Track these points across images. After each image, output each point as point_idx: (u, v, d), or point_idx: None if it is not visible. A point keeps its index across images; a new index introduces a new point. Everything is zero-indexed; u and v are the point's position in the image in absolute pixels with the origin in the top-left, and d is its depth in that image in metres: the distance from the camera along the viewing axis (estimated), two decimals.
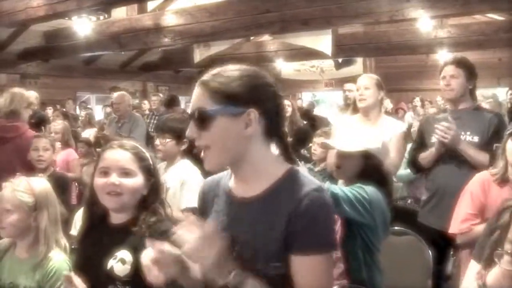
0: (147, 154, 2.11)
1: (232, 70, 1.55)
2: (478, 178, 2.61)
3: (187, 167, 3.49)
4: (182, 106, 13.62)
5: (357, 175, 2.58)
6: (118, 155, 2.05)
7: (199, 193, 1.78)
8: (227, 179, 1.65)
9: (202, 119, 1.49)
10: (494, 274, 1.68)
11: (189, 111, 1.58)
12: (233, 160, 1.54)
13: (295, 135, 5.91)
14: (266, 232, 1.48)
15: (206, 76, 1.55)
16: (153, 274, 1.50)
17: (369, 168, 2.56)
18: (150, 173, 2.08)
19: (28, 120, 7.27)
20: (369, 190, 2.48)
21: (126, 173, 2.02)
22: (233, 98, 1.48)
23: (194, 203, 3.23)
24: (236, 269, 1.42)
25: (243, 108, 1.48)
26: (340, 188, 2.47)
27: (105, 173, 2.02)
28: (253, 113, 1.49)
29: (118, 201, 2.01)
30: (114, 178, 2.00)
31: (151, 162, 2.10)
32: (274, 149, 1.60)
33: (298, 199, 1.46)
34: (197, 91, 1.54)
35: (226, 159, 1.54)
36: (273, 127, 1.56)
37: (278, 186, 1.52)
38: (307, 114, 8.97)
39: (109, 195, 2.00)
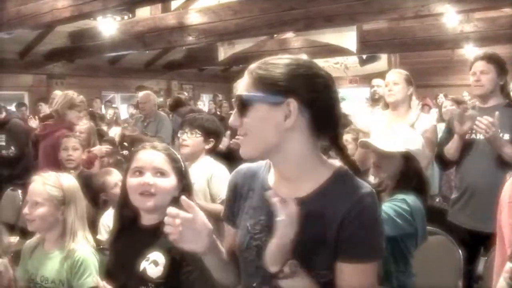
0: (179, 155, 2.12)
1: (281, 58, 1.46)
2: None
3: (212, 162, 3.55)
4: (206, 103, 13.74)
5: (397, 176, 2.54)
6: (152, 155, 2.05)
7: (230, 181, 1.69)
8: (265, 172, 1.57)
9: (242, 105, 1.43)
10: None
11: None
12: (269, 151, 1.46)
13: None
14: (315, 237, 1.40)
15: (254, 64, 1.47)
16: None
17: (409, 170, 2.51)
18: (182, 175, 2.09)
19: None
20: (410, 200, 2.44)
21: (160, 173, 2.02)
22: (273, 86, 1.40)
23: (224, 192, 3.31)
24: (292, 260, 1.37)
25: (282, 97, 1.40)
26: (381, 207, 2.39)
27: (140, 173, 2.03)
28: (293, 104, 1.39)
29: (151, 201, 2.01)
30: (148, 177, 2.00)
31: (182, 164, 2.11)
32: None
33: (352, 203, 1.39)
34: (244, 78, 1.47)
35: (260, 149, 1.45)
36: (320, 124, 1.44)
37: (328, 188, 1.44)
38: None
39: (142, 196, 2.00)
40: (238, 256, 1.60)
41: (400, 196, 2.47)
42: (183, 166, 2.11)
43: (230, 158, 3.82)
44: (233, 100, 1.52)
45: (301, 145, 1.44)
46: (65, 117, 4.90)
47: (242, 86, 1.46)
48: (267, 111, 1.41)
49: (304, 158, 1.45)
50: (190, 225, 1.43)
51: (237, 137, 3.64)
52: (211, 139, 3.52)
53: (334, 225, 1.39)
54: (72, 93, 5.06)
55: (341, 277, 1.41)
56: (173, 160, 2.07)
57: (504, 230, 1.94)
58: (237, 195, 1.63)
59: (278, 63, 1.43)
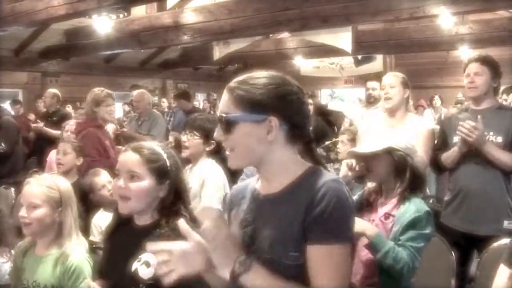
0: (164, 154, 2.09)
1: (257, 77, 1.61)
2: None
3: (209, 166, 3.48)
4: (201, 102, 13.73)
5: (390, 173, 2.55)
6: (127, 158, 2.05)
7: (227, 197, 1.88)
8: (254, 182, 1.74)
9: (227, 123, 1.57)
10: None
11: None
12: (255, 162, 1.62)
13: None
14: (285, 223, 1.53)
15: (233, 83, 1.61)
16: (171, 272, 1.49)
17: (398, 162, 2.52)
18: (164, 175, 2.06)
19: (50, 118, 7.42)
20: (418, 206, 2.46)
21: (132, 176, 2.01)
22: (256, 106, 1.56)
23: (213, 201, 3.28)
24: (241, 257, 1.46)
25: (264, 116, 1.56)
26: (403, 260, 2.36)
27: (118, 175, 2.03)
28: (274, 121, 1.56)
29: (126, 205, 2.02)
30: (121, 181, 2.01)
31: (167, 164, 2.07)
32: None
33: (316, 189, 1.51)
34: (224, 96, 1.61)
35: (248, 161, 1.64)
36: (296, 133, 1.62)
37: (299, 182, 1.59)
38: (321, 109, 8.77)
39: (120, 199, 2.02)
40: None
41: (409, 208, 2.47)
42: (167, 166, 2.07)
43: None
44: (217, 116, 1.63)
45: (281, 153, 1.61)
46: (95, 115, 4.90)
47: (223, 105, 1.60)
48: (250, 128, 1.56)
49: (284, 162, 1.62)
50: (184, 254, 1.49)
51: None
52: (212, 141, 3.39)
53: (301, 210, 1.51)
54: (97, 90, 5.07)
55: (310, 259, 1.50)
56: (149, 161, 2.03)
57: None
58: (231, 207, 1.79)
59: (257, 83, 1.58)
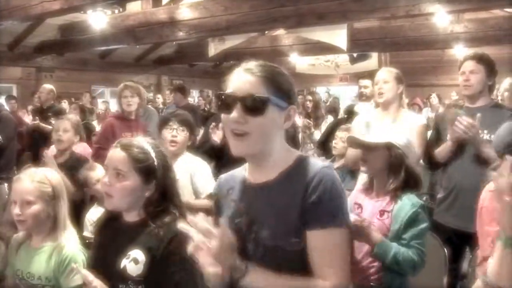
0: (153, 153, 2.05)
1: (272, 65, 1.61)
2: None
3: (193, 158, 3.55)
4: (195, 98, 13.71)
5: (384, 168, 2.55)
6: (114, 154, 2.03)
7: (215, 188, 1.83)
8: (242, 172, 1.73)
9: (255, 105, 1.52)
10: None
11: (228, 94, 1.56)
12: (263, 149, 1.58)
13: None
14: (283, 211, 1.55)
15: (251, 65, 1.58)
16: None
17: (394, 159, 2.53)
18: (151, 175, 2.03)
19: (45, 114, 7.39)
20: (413, 200, 2.47)
21: (118, 174, 1.99)
22: (282, 91, 1.56)
23: (211, 188, 3.31)
24: (236, 263, 1.46)
25: (287, 103, 1.58)
26: (412, 259, 2.38)
27: (106, 171, 2.03)
28: (293, 110, 1.60)
29: (109, 202, 2.01)
30: (106, 178, 2.00)
31: (155, 163, 2.04)
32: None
33: (310, 176, 1.54)
34: (245, 77, 1.55)
35: (259, 147, 1.57)
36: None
37: (292, 169, 1.60)
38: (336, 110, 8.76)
39: (105, 195, 2.01)
40: None
41: (405, 203, 2.48)
42: (155, 165, 2.04)
43: (223, 152, 3.79)
44: (235, 96, 1.53)
45: (280, 141, 1.63)
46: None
47: (248, 85, 1.53)
48: (276, 114, 1.55)
49: (280, 151, 1.63)
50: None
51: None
52: (192, 135, 3.58)
53: (297, 197, 1.53)
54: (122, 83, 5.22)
55: (310, 244, 1.53)
56: (137, 161, 2.00)
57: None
58: (220, 196, 1.77)
59: (277, 70, 1.59)
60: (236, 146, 1.55)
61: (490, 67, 3.47)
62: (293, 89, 1.61)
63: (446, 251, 3.05)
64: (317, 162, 1.60)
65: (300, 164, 1.60)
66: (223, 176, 1.83)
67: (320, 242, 1.51)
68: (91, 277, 1.92)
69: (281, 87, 1.56)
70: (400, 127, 3.36)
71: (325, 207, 1.51)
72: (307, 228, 1.52)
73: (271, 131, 1.56)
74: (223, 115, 1.57)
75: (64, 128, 4.27)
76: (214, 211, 1.77)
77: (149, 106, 7.37)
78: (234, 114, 1.52)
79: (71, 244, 2.42)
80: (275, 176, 1.60)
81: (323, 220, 1.51)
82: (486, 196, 2.35)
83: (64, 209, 2.47)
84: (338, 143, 4.31)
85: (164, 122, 3.59)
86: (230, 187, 1.73)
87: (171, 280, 1.90)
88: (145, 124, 6.46)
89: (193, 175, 3.43)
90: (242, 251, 1.54)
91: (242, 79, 1.55)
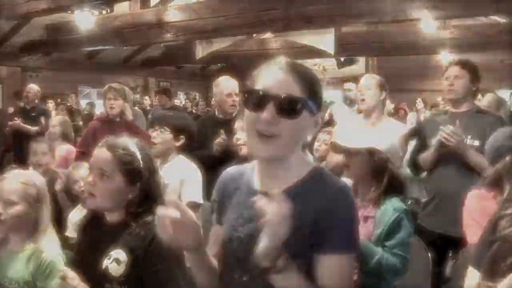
0: (138, 156, 2.03)
1: (305, 66, 1.55)
2: None
3: (185, 163, 3.42)
4: (183, 100, 13.67)
5: (367, 173, 2.55)
6: (99, 154, 2.01)
7: (218, 182, 1.70)
8: (250, 173, 1.60)
9: (291, 107, 1.42)
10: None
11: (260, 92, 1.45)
12: (288, 153, 1.49)
13: None
14: (294, 227, 1.38)
15: (284, 63, 1.48)
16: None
17: (377, 164, 2.52)
18: (136, 177, 2.01)
19: (29, 114, 7.34)
20: (396, 205, 2.47)
21: (102, 174, 1.97)
22: (316, 96, 1.49)
23: (196, 197, 3.27)
24: (284, 254, 1.36)
25: (318, 109, 1.50)
26: (394, 266, 2.40)
27: (90, 170, 2.01)
28: (321, 117, 1.55)
29: (91, 201, 2.00)
30: (90, 177, 1.99)
31: (140, 166, 2.02)
32: None
33: (328, 194, 1.45)
34: (280, 75, 1.45)
35: (286, 151, 1.48)
36: None
37: (306, 183, 1.50)
38: None
39: (88, 194, 2.00)
40: (221, 249, 1.60)
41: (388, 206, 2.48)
42: (141, 167, 2.02)
43: (224, 159, 3.56)
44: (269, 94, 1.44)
45: (299, 148, 1.54)
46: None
47: (285, 84, 1.43)
48: (308, 118, 1.47)
49: (297, 159, 1.53)
50: (179, 225, 1.40)
51: (238, 139, 3.52)
52: (181, 136, 3.38)
53: (309, 217, 1.43)
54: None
55: (317, 268, 1.44)
56: (122, 162, 1.98)
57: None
58: (224, 195, 1.66)
59: (311, 71, 1.54)
60: (261, 148, 1.45)
61: (474, 73, 3.51)
62: (323, 95, 1.53)
63: (430, 254, 3.07)
64: (334, 180, 1.52)
65: (317, 178, 1.51)
66: (229, 171, 1.70)
67: (332, 267, 1.44)
68: (71, 273, 1.90)
69: (315, 90, 1.48)
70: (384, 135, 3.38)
71: (342, 234, 1.44)
72: (318, 251, 1.44)
73: (300, 136, 1.48)
74: (250, 114, 1.45)
75: (42, 151, 4.27)
76: (215, 209, 1.69)
77: (136, 108, 7.34)
78: (266, 114, 1.41)
79: (51, 249, 2.39)
80: (289, 186, 1.48)
81: (339, 245, 1.43)
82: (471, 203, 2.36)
83: (46, 212, 2.44)
84: (321, 145, 4.32)
85: (149, 124, 3.55)
86: (236, 187, 1.62)
87: (154, 279, 1.89)
88: (134, 124, 6.46)
89: (182, 181, 3.32)
90: (241, 261, 1.48)
91: (276, 76, 1.45)
